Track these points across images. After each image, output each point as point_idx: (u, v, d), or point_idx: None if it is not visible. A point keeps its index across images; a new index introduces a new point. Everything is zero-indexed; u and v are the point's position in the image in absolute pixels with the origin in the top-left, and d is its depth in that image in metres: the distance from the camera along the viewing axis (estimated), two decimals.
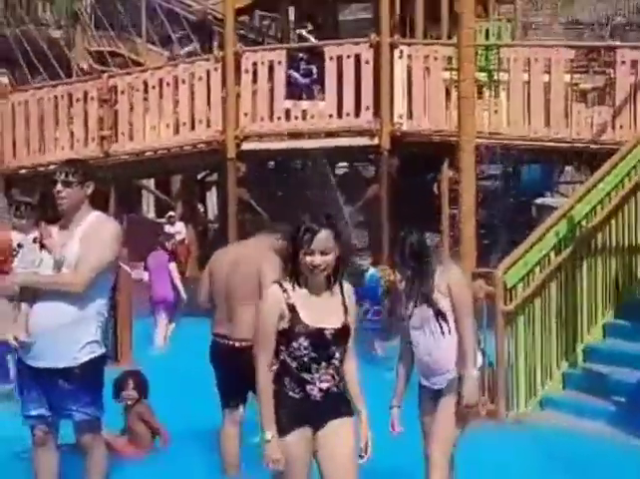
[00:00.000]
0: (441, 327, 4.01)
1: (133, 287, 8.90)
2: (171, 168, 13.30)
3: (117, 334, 8.72)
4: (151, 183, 18.28)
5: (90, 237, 4.08)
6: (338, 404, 3.34)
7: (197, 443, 5.42)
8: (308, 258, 3.21)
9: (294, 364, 3.25)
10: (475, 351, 4.08)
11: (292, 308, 3.25)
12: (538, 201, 13.18)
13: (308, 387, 3.25)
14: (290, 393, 3.26)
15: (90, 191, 4.10)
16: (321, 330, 3.25)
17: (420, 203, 12.10)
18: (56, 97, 12.10)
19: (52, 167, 11.85)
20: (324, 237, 3.19)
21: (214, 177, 17.28)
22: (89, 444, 4.19)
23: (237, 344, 4.63)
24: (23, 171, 12.17)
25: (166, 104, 11.52)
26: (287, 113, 11.09)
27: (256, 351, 3.35)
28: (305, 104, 11.44)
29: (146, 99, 11.64)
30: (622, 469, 5.07)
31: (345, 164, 13.91)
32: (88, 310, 4.06)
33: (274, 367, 3.28)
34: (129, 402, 5.45)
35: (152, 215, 19.74)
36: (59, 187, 4.01)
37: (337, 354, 3.30)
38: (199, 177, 17.15)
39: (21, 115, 12.15)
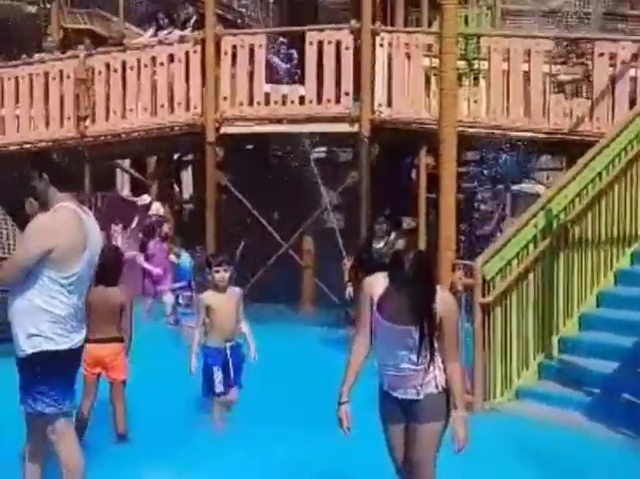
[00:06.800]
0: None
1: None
2: (149, 149, 13.18)
3: None
4: (126, 161, 18.11)
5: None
6: None
7: None
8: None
9: None
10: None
11: None
12: (515, 187, 13.27)
13: None
14: None
15: (42, 184, 4.11)
16: None
17: (398, 187, 12.13)
18: (31, 75, 11.93)
19: (26, 146, 11.73)
20: None
21: (190, 156, 17.17)
22: (48, 438, 4.16)
23: None
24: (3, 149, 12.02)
25: (145, 85, 11.39)
26: (267, 97, 11.03)
27: None
28: (285, 89, 11.37)
29: (124, 79, 11.50)
30: (596, 460, 5.17)
31: (323, 148, 13.88)
32: (29, 304, 4.05)
33: None
34: None
35: (126, 192, 19.56)
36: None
37: None
38: (175, 156, 17.02)
39: None
